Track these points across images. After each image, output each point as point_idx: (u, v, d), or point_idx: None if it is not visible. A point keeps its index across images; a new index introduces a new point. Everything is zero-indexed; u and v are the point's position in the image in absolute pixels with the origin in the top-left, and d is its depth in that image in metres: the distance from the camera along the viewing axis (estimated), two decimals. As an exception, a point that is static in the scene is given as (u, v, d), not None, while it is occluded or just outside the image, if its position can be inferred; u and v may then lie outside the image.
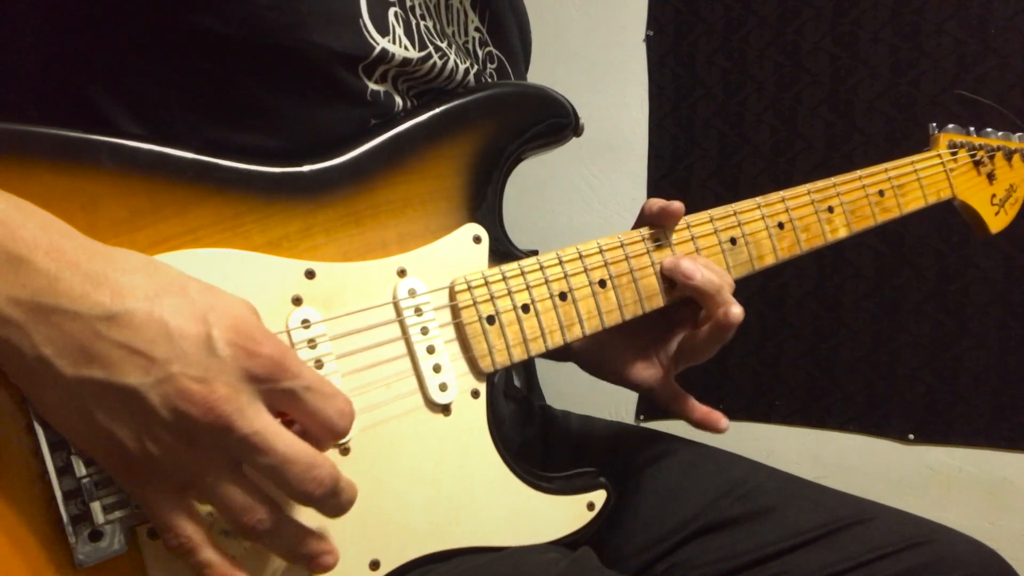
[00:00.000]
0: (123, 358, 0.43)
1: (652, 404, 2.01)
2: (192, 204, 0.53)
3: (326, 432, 0.48)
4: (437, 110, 0.63)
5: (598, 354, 0.77)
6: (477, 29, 0.75)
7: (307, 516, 0.54)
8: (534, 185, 2.03)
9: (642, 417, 1.96)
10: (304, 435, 0.47)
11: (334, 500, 0.48)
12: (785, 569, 0.71)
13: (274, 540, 0.48)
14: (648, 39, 1.93)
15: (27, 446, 0.47)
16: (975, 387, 1.69)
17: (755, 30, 1.82)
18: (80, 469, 0.47)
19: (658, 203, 0.70)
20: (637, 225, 0.72)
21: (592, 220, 2.02)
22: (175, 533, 0.46)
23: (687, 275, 0.68)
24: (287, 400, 0.46)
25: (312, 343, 0.55)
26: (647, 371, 0.74)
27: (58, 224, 0.45)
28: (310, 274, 0.56)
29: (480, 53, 0.75)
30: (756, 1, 1.82)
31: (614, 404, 1.99)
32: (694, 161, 1.91)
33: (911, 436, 1.75)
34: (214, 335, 0.44)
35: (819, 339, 1.82)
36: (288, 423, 0.48)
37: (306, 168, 0.58)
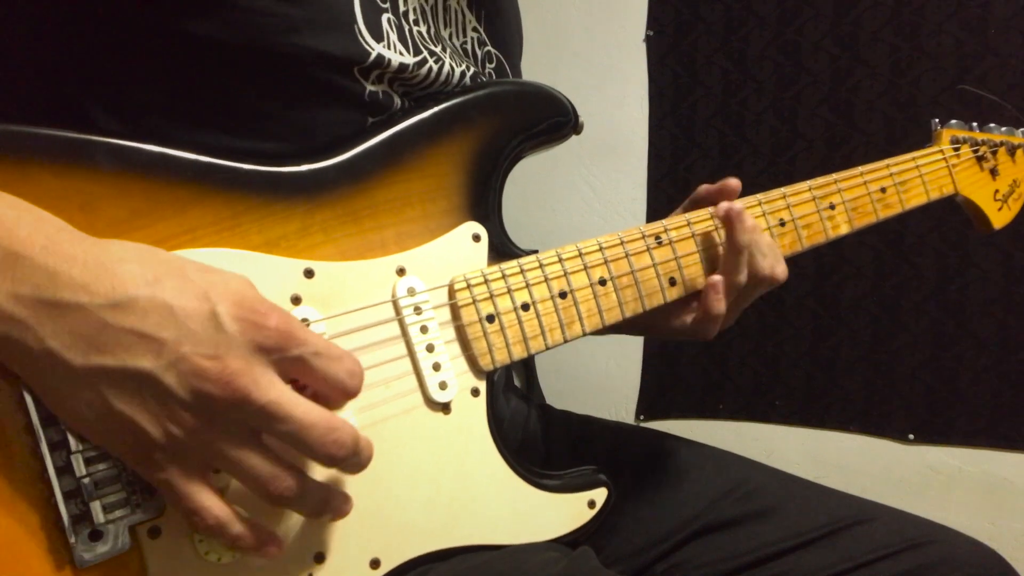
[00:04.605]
0: (133, 343, 0.43)
1: (652, 404, 2.02)
2: (190, 204, 0.53)
3: (339, 393, 0.49)
4: (436, 108, 0.63)
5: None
6: (475, 29, 0.75)
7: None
8: (534, 185, 2.02)
9: (642, 417, 1.96)
10: (317, 399, 0.48)
11: (356, 459, 0.49)
12: (786, 569, 0.71)
13: (302, 503, 0.49)
14: (648, 39, 1.93)
15: (26, 446, 0.47)
16: (975, 387, 1.69)
17: (755, 30, 1.82)
18: (80, 469, 0.47)
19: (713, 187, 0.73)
20: (687, 209, 0.74)
21: (592, 220, 2.02)
22: (205, 514, 0.46)
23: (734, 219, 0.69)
24: (298, 367, 0.47)
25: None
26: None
27: (52, 219, 0.45)
28: (309, 273, 0.56)
29: (479, 53, 0.74)
30: (756, 1, 1.82)
31: (614, 404, 1.99)
32: (694, 161, 1.91)
33: (911, 436, 1.75)
34: (219, 312, 0.44)
35: (819, 339, 1.82)
36: (300, 389, 0.48)
37: (304, 168, 0.58)
